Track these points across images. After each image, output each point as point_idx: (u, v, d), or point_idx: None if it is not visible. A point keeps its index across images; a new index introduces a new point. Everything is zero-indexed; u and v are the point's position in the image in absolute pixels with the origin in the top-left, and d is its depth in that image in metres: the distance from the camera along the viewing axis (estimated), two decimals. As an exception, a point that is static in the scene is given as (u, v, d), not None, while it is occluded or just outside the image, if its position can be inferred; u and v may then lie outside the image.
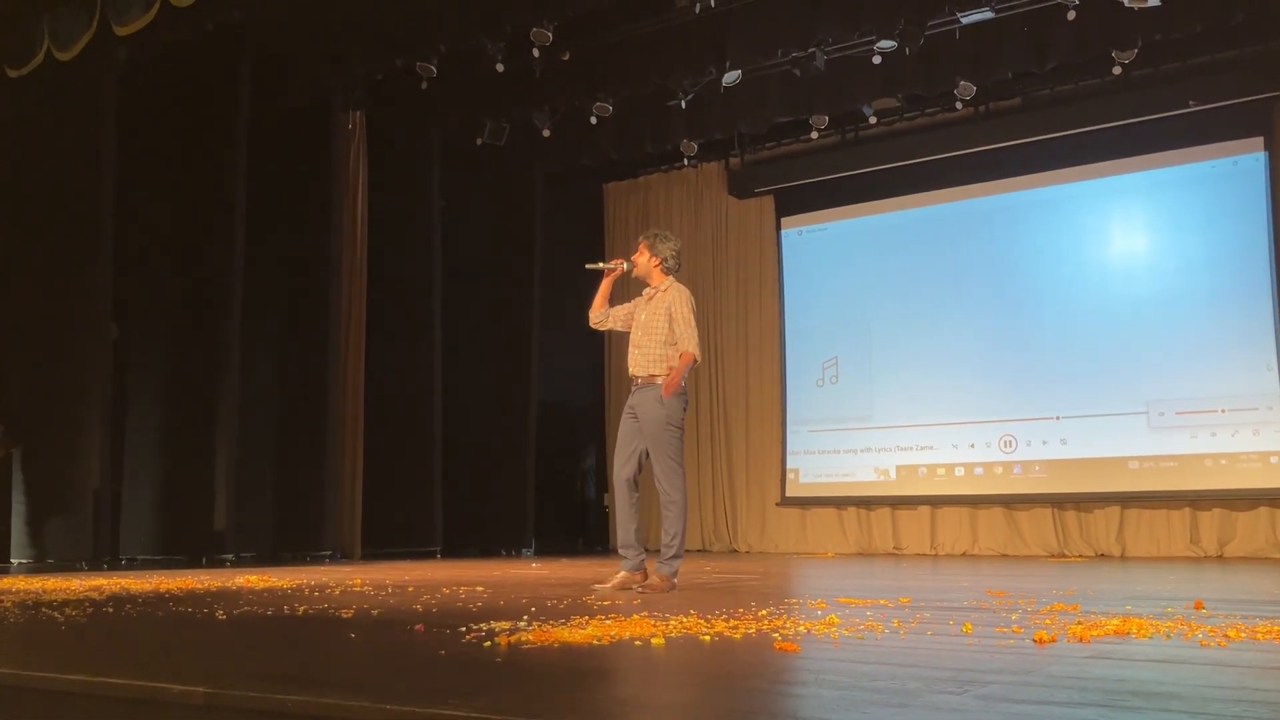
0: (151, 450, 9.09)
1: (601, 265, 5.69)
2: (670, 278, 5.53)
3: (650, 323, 5.40)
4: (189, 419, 8.99)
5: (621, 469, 5.38)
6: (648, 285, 5.59)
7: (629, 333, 5.60)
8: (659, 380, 5.29)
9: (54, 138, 8.89)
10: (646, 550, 5.52)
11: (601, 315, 5.69)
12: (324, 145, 9.84)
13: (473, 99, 10.24)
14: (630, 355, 5.47)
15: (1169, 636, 3.18)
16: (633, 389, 5.44)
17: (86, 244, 8.66)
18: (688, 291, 5.48)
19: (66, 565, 8.27)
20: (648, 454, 5.35)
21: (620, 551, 5.41)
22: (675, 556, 5.30)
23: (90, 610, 4.37)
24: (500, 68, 9.18)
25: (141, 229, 9.25)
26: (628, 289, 6.11)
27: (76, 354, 8.66)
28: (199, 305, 9.10)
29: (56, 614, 4.19)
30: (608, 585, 5.32)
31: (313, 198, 9.74)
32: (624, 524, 5.39)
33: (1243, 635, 3.16)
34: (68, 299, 8.73)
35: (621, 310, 5.67)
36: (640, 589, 5.23)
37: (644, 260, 5.52)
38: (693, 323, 5.37)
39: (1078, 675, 2.45)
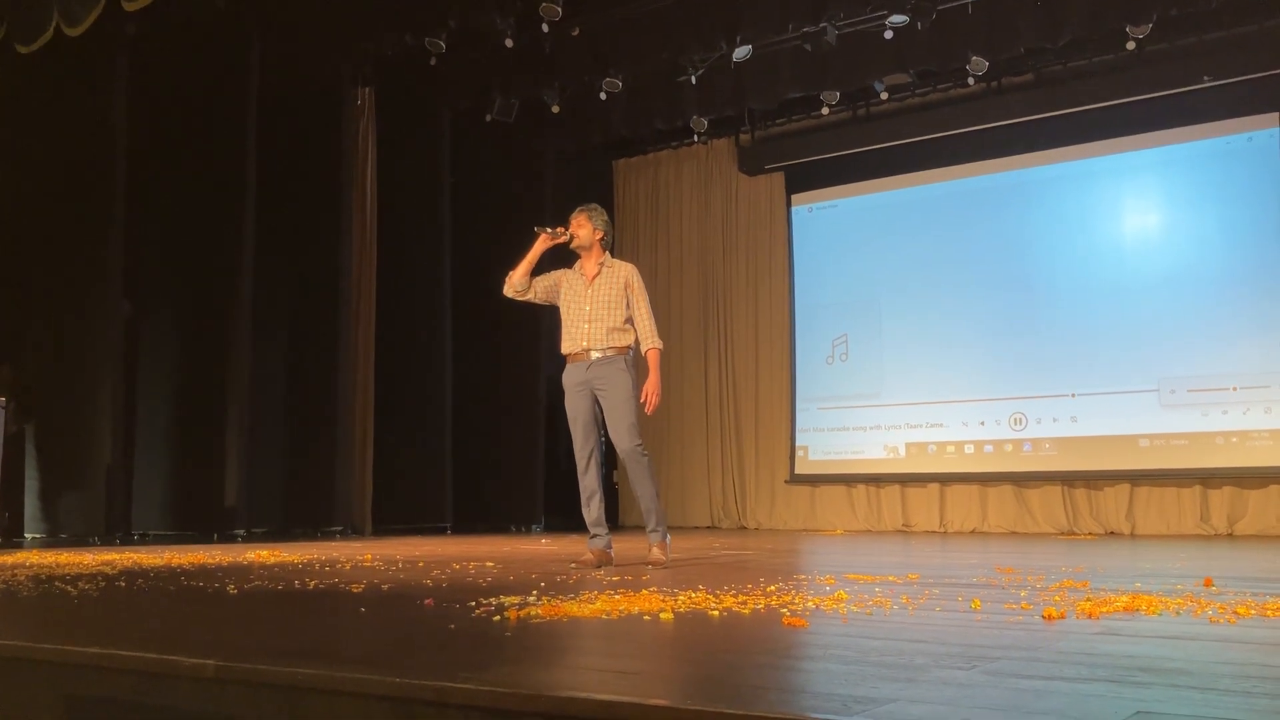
0: (163, 426, 9.12)
1: (549, 229, 5.55)
2: (608, 253, 5.54)
3: (605, 297, 5.38)
4: (201, 395, 9.02)
5: (584, 445, 5.37)
6: (581, 258, 5.54)
7: (549, 304, 5.63)
8: (610, 354, 5.32)
9: (65, 115, 8.88)
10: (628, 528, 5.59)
11: (524, 284, 5.57)
12: (334, 121, 9.83)
13: (482, 75, 10.20)
14: (578, 329, 5.41)
15: (1178, 613, 3.17)
16: (579, 363, 5.38)
17: (98, 221, 8.67)
18: (638, 270, 5.53)
19: (79, 540, 8.33)
20: (603, 427, 5.37)
21: (592, 530, 5.38)
22: (661, 521, 5.38)
23: (102, 584, 4.40)
24: (509, 43, 9.14)
25: (153, 205, 9.25)
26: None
27: (89, 330, 8.69)
28: (210, 282, 9.11)
29: (69, 588, 4.22)
30: (585, 561, 5.31)
31: (323, 174, 9.74)
32: (598, 501, 5.38)
33: (1252, 612, 3.16)
34: (80, 276, 8.74)
35: (541, 284, 5.60)
36: (651, 566, 5.26)
37: (586, 232, 5.48)
38: (651, 309, 5.46)
39: (1086, 651, 2.45)
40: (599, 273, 5.45)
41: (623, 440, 5.28)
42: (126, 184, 8.75)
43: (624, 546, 7.29)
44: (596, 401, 5.36)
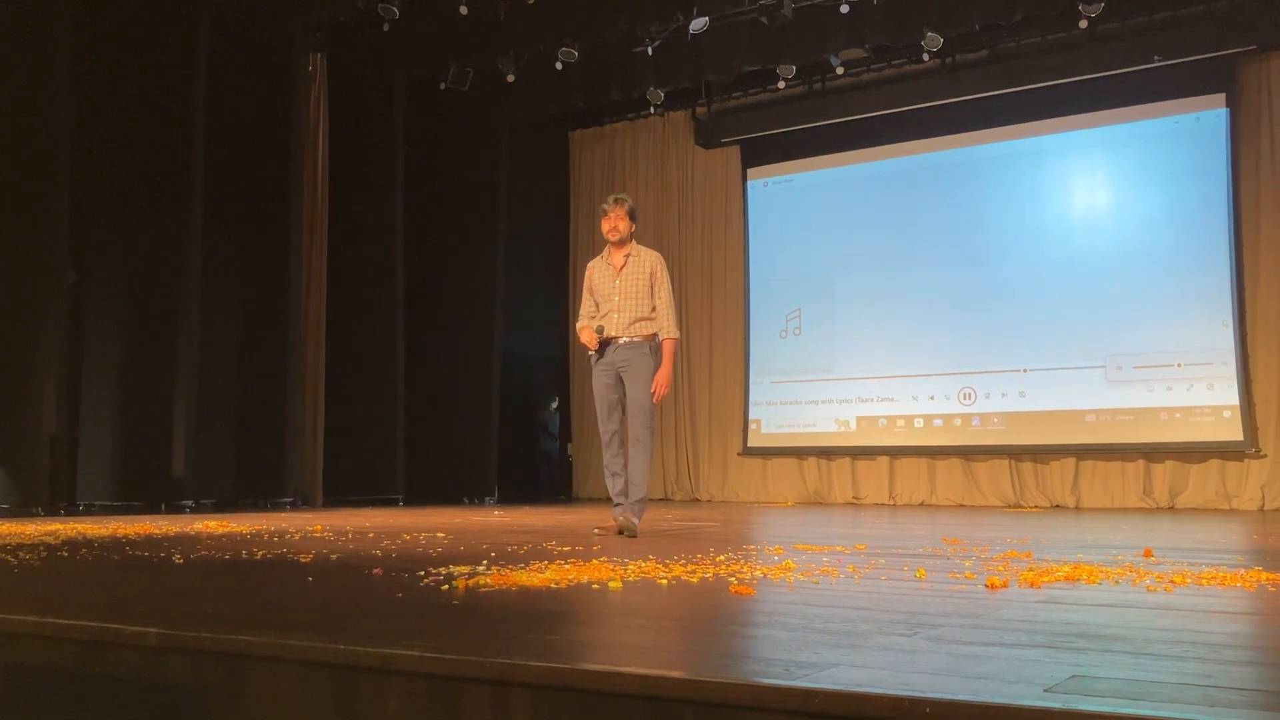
0: (110, 395, 8.97)
1: (599, 342, 5.70)
2: (633, 241, 5.76)
3: (632, 287, 5.62)
4: (148, 364, 8.88)
5: (607, 423, 5.64)
6: (610, 246, 5.73)
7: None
8: (637, 340, 5.58)
9: (5, 77, 8.65)
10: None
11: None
12: (285, 88, 9.67)
13: (436, 43, 10.07)
14: (606, 318, 5.65)
15: (1117, 582, 3.24)
16: (608, 347, 5.62)
17: (42, 186, 8.47)
18: (663, 258, 5.79)
19: (21, 511, 8.18)
20: (623, 408, 5.65)
21: (615, 499, 5.67)
22: (643, 499, 5.60)
23: (44, 554, 4.34)
24: (464, 10, 9.03)
25: (98, 172, 9.05)
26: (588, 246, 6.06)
27: (32, 298, 8.51)
28: (157, 249, 8.95)
29: (10, 558, 4.15)
30: (609, 528, 5.65)
31: (273, 142, 9.58)
32: (621, 476, 5.64)
33: (1188, 581, 3.23)
34: (23, 242, 8.54)
35: (591, 304, 5.82)
36: (621, 532, 5.47)
37: (625, 225, 5.68)
38: (674, 299, 5.74)
39: (1026, 619, 2.50)
40: (625, 263, 5.67)
41: (635, 420, 5.58)
42: (71, 149, 8.55)
43: (577, 518, 7.31)
44: (620, 382, 5.63)
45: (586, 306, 5.82)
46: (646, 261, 5.66)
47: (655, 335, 5.63)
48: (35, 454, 8.33)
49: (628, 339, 5.59)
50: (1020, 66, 10.10)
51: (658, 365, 5.59)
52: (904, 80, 10.76)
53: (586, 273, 5.88)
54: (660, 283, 5.64)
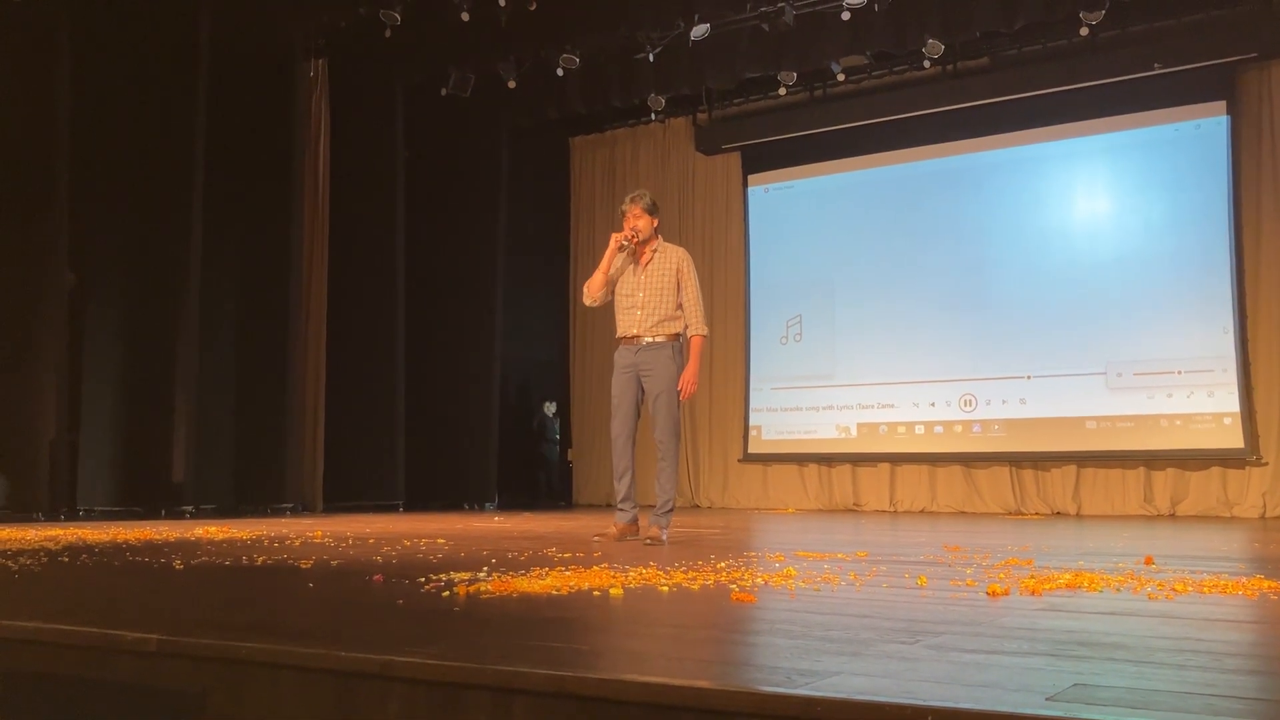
0: (109, 400, 8.96)
1: (624, 242, 5.54)
2: (659, 236, 5.62)
3: (656, 284, 5.48)
4: (148, 368, 8.87)
5: (623, 427, 5.53)
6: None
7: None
8: (661, 340, 5.46)
9: (6, 80, 8.66)
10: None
11: (606, 294, 5.65)
12: (285, 93, 9.67)
13: (437, 48, 10.08)
14: (629, 315, 5.53)
15: (1119, 590, 3.24)
16: (630, 347, 5.51)
17: (42, 189, 8.48)
18: (690, 255, 5.62)
19: (21, 516, 8.17)
20: (639, 412, 5.56)
21: (619, 504, 5.59)
22: (671, 510, 5.53)
23: (45, 560, 4.34)
24: (465, 17, 9.04)
25: (98, 176, 9.06)
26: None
27: (31, 302, 8.51)
28: (158, 253, 8.95)
29: (10, 563, 4.15)
30: (609, 534, 5.56)
31: (274, 147, 9.58)
32: (628, 480, 5.54)
33: (1189, 589, 3.22)
34: (22, 245, 8.55)
35: (606, 279, 5.64)
36: (649, 541, 5.35)
37: (645, 224, 5.52)
38: (700, 294, 5.56)
39: (1028, 626, 2.49)
40: (651, 259, 5.52)
41: (660, 428, 5.44)
42: (71, 153, 8.56)
43: (578, 524, 7.31)
44: (641, 385, 5.51)
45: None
46: (673, 258, 5.51)
47: (679, 335, 5.49)
48: (35, 459, 8.33)
49: (651, 339, 5.45)
50: (1021, 73, 10.10)
51: (682, 366, 5.45)
52: (905, 87, 10.77)
53: None
54: (687, 280, 5.48)
